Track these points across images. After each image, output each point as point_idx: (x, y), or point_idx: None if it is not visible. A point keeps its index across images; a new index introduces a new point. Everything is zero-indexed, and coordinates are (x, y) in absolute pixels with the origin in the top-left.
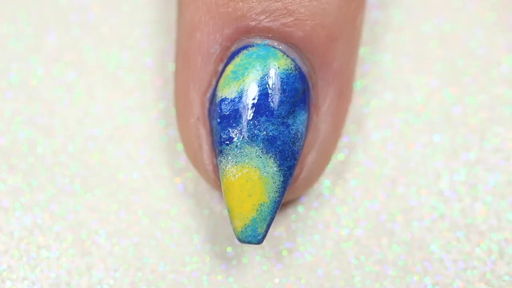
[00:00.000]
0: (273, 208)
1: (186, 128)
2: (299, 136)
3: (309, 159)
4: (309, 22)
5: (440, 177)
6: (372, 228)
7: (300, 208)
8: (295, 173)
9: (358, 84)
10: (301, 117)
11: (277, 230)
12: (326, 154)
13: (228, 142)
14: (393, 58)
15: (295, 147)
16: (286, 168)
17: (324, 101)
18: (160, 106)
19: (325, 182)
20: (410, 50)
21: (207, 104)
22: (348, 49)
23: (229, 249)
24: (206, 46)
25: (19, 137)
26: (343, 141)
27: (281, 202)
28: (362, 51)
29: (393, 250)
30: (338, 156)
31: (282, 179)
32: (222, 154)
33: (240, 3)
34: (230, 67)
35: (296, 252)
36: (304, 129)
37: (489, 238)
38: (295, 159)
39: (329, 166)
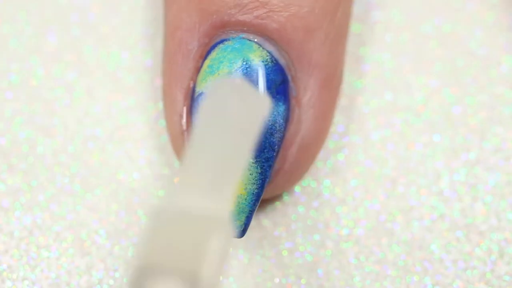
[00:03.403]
0: (251, 201)
1: (171, 125)
2: (278, 128)
3: (290, 151)
4: (283, 13)
5: (440, 177)
6: (372, 228)
7: (300, 208)
8: (277, 166)
9: (358, 84)
10: (279, 108)
11: (277, 230)
12: (310, 148)
13: None
14: (393, 58)
15: (273, 138)
16: (263, 160)
17: (304, 93)
18: (160, 106)
19: (325, 182)
20: (410, 50)
21: (189, 101)
22: (329, 39)
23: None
24: (185, 44)
25: (19, 137)
26: (343, 141)
27: (261, 194)
28: (362, 51)
29: (393, 250)
30: (338, 156)
31: (259, 171)
32: None
33: None
34: (206, 62)
35: (296, 252)
36: (282, 120)
37: (489, 238)
38: (274, 150)
39: (329, 166)
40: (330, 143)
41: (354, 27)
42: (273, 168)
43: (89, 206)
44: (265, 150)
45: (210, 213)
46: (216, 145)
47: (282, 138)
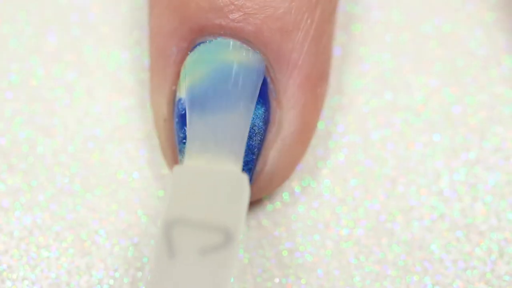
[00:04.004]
0: None
1: (157, 131)
2: (256, 131)
3: (271, 154)
4: (258, 15)
5: (440, 177)
6: (372, 228)
7: (300, 208)
8: (258, 168)
9: (358, 84)
10: (257, 111)
11: (277, 230)
12: (292, 149)
13: (184, 140)
14: (393, 58)
15: (252, 141)
16: (243, 164)
17: (284, 94)
18: None
19: (325, 182)
20: (410, 50)
21: (172, 106)
22: (308, 39)
23: None
24: (165, 49)
25: (19, 137)
26: (343, 141)
27: None
28: (362, 51)
29: (393, 250)
30: (338, 156)
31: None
32: (181, 153)
33: (191, 4)
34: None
35: (296, 252)
36: (261, 123)
37: (489, 238)
38: (253, 153)
39: (329, 166)
40: (330, 143)
41: (354, 27)
42: (253, 171)
43: (89, 206)
44: (244, 154)
45: (227, 170)
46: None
47: (262, 141)
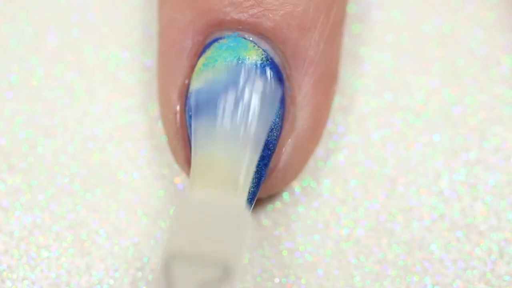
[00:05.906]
0: (247, 199)
1: (166, 124)
2: (272, 126)
3: (285, 150)
4: (278, 12)
5: (440, 177)
6: (372, 228)
7: (300, 208)
8: (272, 165)
9: (358, 84)
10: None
11: (277, 230)
12: (304, 146)
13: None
14: (393, 58)
15: (269, 137)
16: (259, 158)
17: (299, 91)
18: None
19: (325, 182)
20: (410, 50)
21: (184, 99)
22: (323, 38)
23: None
24: (179, 42)
25: (19, 137)
26: (343, 141)
27: (257, 193)
28: (362, 51)
29: (393, 250)
30: (338, 156)
31: (254, 169)
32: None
33: None
34: (201, 60)
35: (296, 252)
36: (278, 119)
37: (489, 238)
38: (269, 149)
39: (329, 166)
40: (330, 143)
41: (354, 27)
42: (268, 166)
43: (89, 206)
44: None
45: (230, 203)
46: None
47: (278, 137)
